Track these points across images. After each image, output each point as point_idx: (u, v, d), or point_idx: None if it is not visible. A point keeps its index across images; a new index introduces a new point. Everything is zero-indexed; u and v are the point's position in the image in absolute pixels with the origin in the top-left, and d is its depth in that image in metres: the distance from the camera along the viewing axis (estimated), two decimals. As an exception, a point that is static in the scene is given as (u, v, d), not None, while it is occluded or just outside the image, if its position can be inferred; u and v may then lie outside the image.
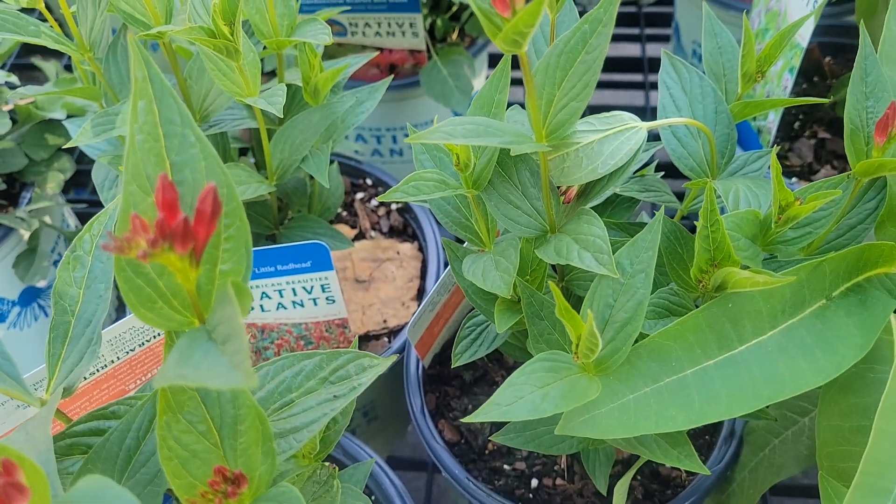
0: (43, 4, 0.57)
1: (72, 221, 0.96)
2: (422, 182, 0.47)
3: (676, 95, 0.54)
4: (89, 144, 0.65)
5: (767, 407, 0.61)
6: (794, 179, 0.84)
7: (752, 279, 0.41)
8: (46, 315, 0.92)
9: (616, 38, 1.37)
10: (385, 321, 0.78)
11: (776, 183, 0.43)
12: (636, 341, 0.44)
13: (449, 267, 0.56)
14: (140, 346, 0.52)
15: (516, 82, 0.53)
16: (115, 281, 0.34)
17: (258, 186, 0.59)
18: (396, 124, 1.02)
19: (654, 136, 0.57)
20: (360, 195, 0.88)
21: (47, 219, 0.87)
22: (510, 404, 0.41)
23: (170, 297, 0.31)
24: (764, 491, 0.63)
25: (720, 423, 0.66)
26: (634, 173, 0.60)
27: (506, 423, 0.58)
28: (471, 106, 0.48)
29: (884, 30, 0.53)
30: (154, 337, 0.53)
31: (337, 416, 0.46)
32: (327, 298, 0.67)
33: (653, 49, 1.31)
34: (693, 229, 0.47)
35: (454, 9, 1.00)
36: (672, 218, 0.54)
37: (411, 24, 0.91)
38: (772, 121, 0.81)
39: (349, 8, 0.89)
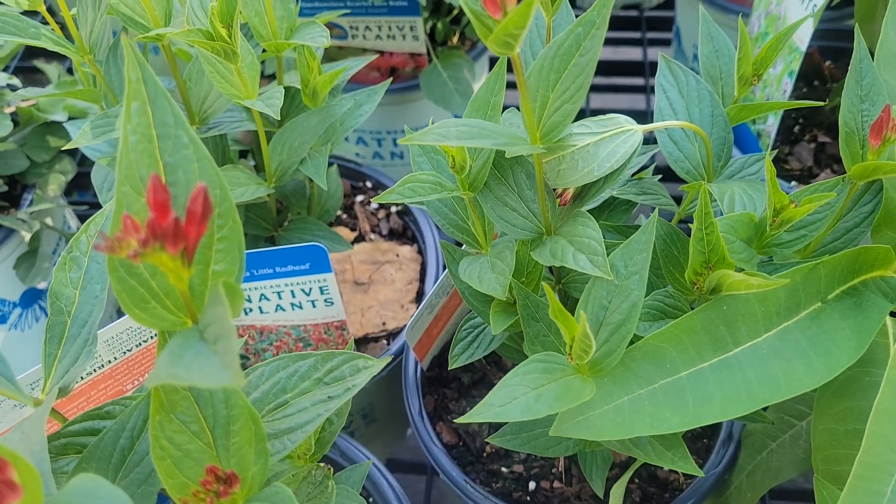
0: (44, 7, 0.57)
1: (73, 223, 0.97)
2: (418, 184, 0.47)
3: (673, 98, 0.54)
4: (89, 146, 0.66)
5: (765, 410, 0.61)
6: (793, 183, 0.84)
7: (746, 282, 0.41)
8: (47, 316, 0.92)
9: (618, 42, 1.37)
10: (384, 323, 0.79)
11: (771, 186, 0.43)
12: (631, 343, 0.44)
13: (447, 269, 0.56)
14: (137, 346, 0.52)
15: (514, 85, 0.53)
16: (111, 281, 0.34)
17: (256, 188, 0.60)
18: (397, 127, 1.02)
19: (653, 140, 0.57)
20: (359, 198, 0.88)
21: (49, 220, 0.87)
22: (504, 405, 0.41)
23: (163, 298, 0.31)
24: (761, 494, 0.63)
25: (718, 427, 0.66)
26: (632, 176, 0.60)
27: (504, 425, 0.58)
28: (467, 108, 0.48)
29: (881, 34, 0.53)
30: (151, 337, 0.53)
31: (332, 418, 0.46)
32: (326, 300, 0.67)
33: (654, 53, 1.31)
34: (690, 232, 0.47)
35: (455, 12, 1.00)
36: (670, 221, 0.54)
37: (412, 28, 0.91)
38: (771, 124, 0.81)
39: (349, 11, 0.90)
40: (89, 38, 0.56)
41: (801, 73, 0.94)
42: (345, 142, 1.07)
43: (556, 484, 0.65)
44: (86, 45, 0.56)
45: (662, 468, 0.65)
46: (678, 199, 0.62)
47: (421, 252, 0.84)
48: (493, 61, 1.11)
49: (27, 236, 0.85)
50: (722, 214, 0.48)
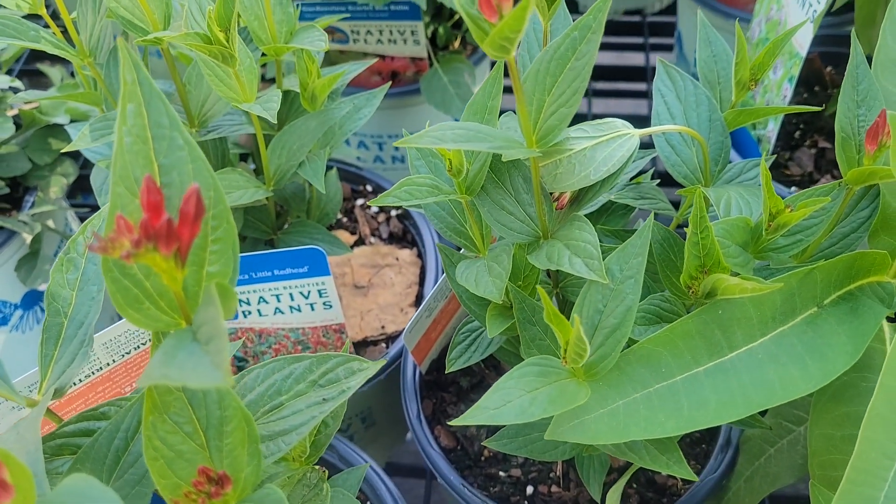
0: (45, 11, 0.57)
1: (75, 226, 0.97)
2: (414, 187, 0.47)
3: (671, 103, 0.54)
4: (90, 149, 0.66)
5: (763, 415, 0.61)
6: (793, 188, 0.84)
7: (740, 286, 0.41)
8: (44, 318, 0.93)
9: (620, 48, 1.37)
10: (383, 327, 0.79)
11: (766, 190, 0.43)
12: (627, 347, 0.44)
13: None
14: (136, 349, 0.52)
15: (512, 89, 0.53)
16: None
17: (255, 191, 0.60)
18: (398, 131, 1.03)
19: (652, 144, 0.57)
20: (360, 201, 0.88)
21: (50, 223, 0.87)
22: (498, 408, 0.41)
23: (157, 298, 0.32)
24: (760, 499, 0.62)
25: (717, 432, 0.66)
26: (630, 180, 0.60)
27: (501, 428, 0.58)
28: (464, 112, 0.48)
29: (878, 40, 0.53)
30: (149, 340, 0.53)
31: (327, 420, 0.46)
32: (324, 304, 0.67)
33: (657, 58, 1.32)
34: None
35: (456, 17, 1.01)
36: (668, 226, 0.54)
37: (412, 32, 0.91)
38: (771, 130, 0.81)
39: (349, 15, 0.90)
40: (89, 41, 0.56)
41: (802, 79, 0.94)
42: (346, 146, 1.07)
43: (554, 488, 0.65)
44: (86, 48, 0.57)
45: (660, 473, 0.65)
46: (677, 204, 0.62)
47: (421, 256, 0.84)
48: (493, 66, 1.11)
49: (28, 238, 0.85)
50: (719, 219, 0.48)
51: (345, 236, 0.85)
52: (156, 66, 0.97)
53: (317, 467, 0.46)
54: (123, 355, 0.52)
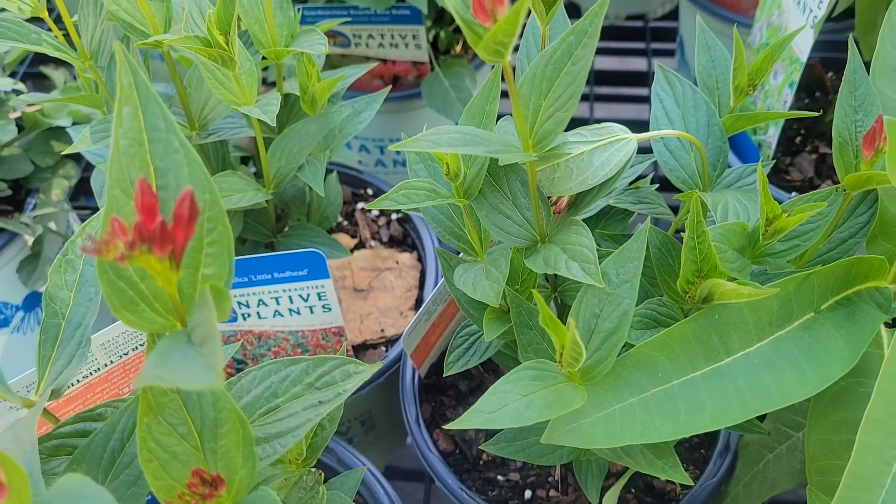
0: (47, 14, 0.58)
1: (77, 228, 0.97)
2: (412, 191, 0.47)
3: (669, 108, 0.54)
4: (92, 151, 0.66)
5: (762, 421, 0.61)
6: (794, 194, 0.84)
7: (737, 290, 0.41)
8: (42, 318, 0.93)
9: (623, 53, 1.38)
10: (383, 330, 0.79)
11: (763, 195, 0.43)
12: (623, 351, 0.44)
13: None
14: (133, 350, 0.53)
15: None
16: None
17: (255, 194, 0.60)
18: (399, 135, 1.03)
19: (651, 149, 0.57)
20: (360, 205, 0.89)
21: (52, 225, 0.88)
22: (494, 411, 0.41)
23: (152, 301, 0.32)
24: (757, 505, 0.62)
25: (715, 437, 0.66)
26: (629, 185, 0.60)
27: (499, 432, 0.58)
28: (462, 116, 0.48)
29: (877, 45, 0.53)
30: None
31: (324, 423, 0.46)
32: (324, 307, 0.67)
33: (658, 63, 1.32)
34: (684, 241, 0.47)
35: (458, 21, 1.01)
36: (667, 231, 0.54)
37: (414, 37, 0.92)
38: (772, 135, 0.81)
39: (350, 19, 0.90)
40: (90, 44, 0.56)
41: (803, 85, 0.94)
42: (347, 149, 1.07)
43: (552, 493, 0.65)
44: (87, 51, 0.57)
45: (659, 478, 0.65)
46: (677, 209, 0.62)
47: (421, 259, 0.84)
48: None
49: (30, 240, 0.86)
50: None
51: (345, 239, 0.85)
52: (158, 69, 0.98)
53: (313, 470, 0.46)
54: (121, 356, 0.52)
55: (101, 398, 0.53)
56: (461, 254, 0.54)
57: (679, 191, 0.55)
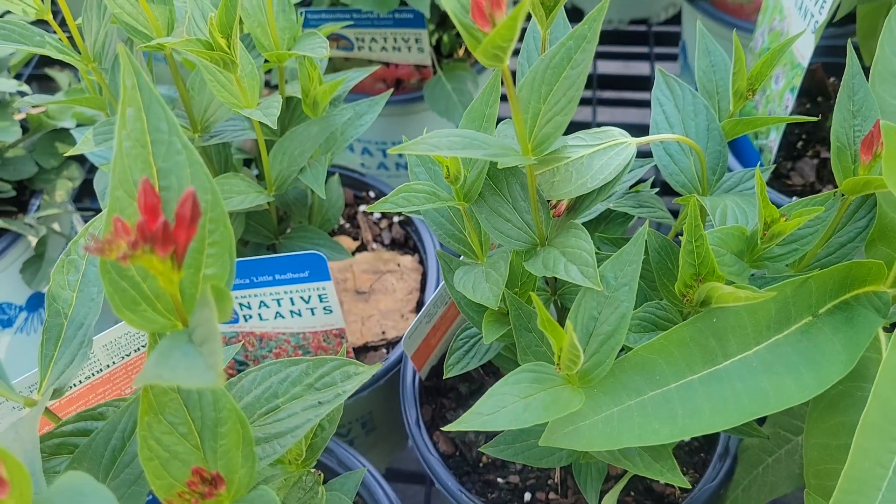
0: (51, 17, 0.58)
1: (80, 229, 0.98)
2: (412, 193, 0.47)
3: (669, 112, 0.54)
4: (95, 153, 0.67)
5: (761, 425, 0.61)
6: (795, 199, 0.84)
7: (734, 294, 0.41)
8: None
9: (626, 57, 1.38)
10: (384, 332, 0.79)
11: (760, 199, 0.43)
12: (621, 354, 0.44)
13: (446, 279, 0.56)
14: (135, 351, 0.53)
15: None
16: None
17: (256, 196, 0.60)
18: (402, 138, 1.03)
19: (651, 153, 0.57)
20: (362, 207, 0.89)
21: (56, 226, 0.88)
22: (492, 413, 0.41)
23: (154, 301, 0.32)
24: (756, 509, 0.62)
25: (715, 441, 0.66)
26: (630, 189, 0.61)
27: (499, 434, 0.59)
28: (462, 119, 0.48)
29: (877, 51, 0.53)
30: (150, 342, 0.54)
31: (324, 423, 0.47)
32: (325, 308, 0.67)
33: (662, 67, 1.32)
34: (683, 245, 0.47)
35: (461, 25, 1.01)
36: (667, 235, 0.54)
37: (417, 40, 0.92)
38: (773, 140, 0.81)
39: (352, 23, 0.91)
40: (94, 46, 0.57)
41: (805, 90, 0.94)
42: (350, 152, 1.08)
43: (552, 495, 0.65)
44: (90, 53, 0.57)
45: (658, 481, 0.65)
46: (677, 213, 0.62)
47: (422, 262, 0.84)
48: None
49: (34, 241, 0.86)
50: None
51: (347, 242, 0.86)
52: (161, 72, 0.98)
53: (313, 470, 0.46)
54: (123, 357, 0.52)
55: (104, 399, 0.53)
56: (462, 257, 0.55)
57: (679, 195, 0.56)
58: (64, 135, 0.88)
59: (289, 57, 0.59)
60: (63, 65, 1.16)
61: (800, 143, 0.91)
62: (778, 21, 0.82)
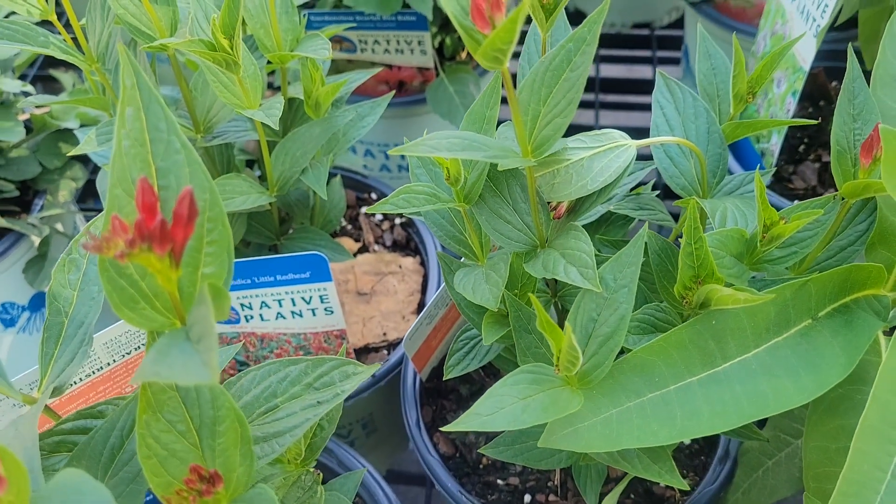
0: (55, 17, 0.58)
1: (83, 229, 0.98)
2: (413, 195, 0.48)
3: (670, 115, 0.55)
4: (98, 153, 0.67)
5: (761, 428, 0.61)
6: (796, 202, 0.84)
7: (733, 296, 0.41)
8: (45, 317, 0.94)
9: (629, 61, 1.38)
10: (385, 334, 0.79)
11: (760, 201, 0.43)
12: (620, 356, 0.44)
13: (447, 281, 0.56)
14: (136, 349, 0.53)
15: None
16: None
17: (258, 197, 0.61)
18: (404, 140, 1.04)
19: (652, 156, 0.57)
20: (365, 209, 0.89)
21: (59, 226, 0.89)
22: (491, 414, 0.41)
23: (152, 299, 0.32)
24: (756, 512, 0.62)
25: (715, 444, 0.66)
26: (630, 191, 0.61)
27: (499, 436, 0.59)
28: (463, 121, 0.48)
29: (878, 55, 0.54)
30: (150, 341, 0.54)
31: (323, 423, 0.47)
32: (326, 309, 0.67)
33: (665, 71, 1.32)
34: (682, 247, 0.47)
35: (464, 28, 1.01)
36: (668, 237, 0.54)
37: (419, 43, 0.92)
38: (775, 143, 0.81)
39: (355, 25, 0.91)
40: (97, 47, 0.57)
41: (807, 94, 0.94)
42: (352, 154, 1.08)
43: (552, 497, 0.65)
44: (94, 54, 0.58)
45: (659, 484, 0.65)
46: (678, 216, 0.62)
47: (423, 264, 0.84)
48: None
49: (37, 241, 0.86)
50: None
51: (349, 243, 0.86)
52: (165, 73, 0.99)
53: (312, 470, 0.47)
54: (124, 355, 0.53)
55: (104, 397, 0.53)
56: (462, 258, 0.55)
57: (680, 198, 0.56)
58: (68, 135, 0.89)
59: (291, 58, 0.59)
60: (67, 66, 1.17)
61: (802, 147, 0.91)
62: (780, 25, 0.82)
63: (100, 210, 1.08)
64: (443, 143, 0.39)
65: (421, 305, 0.81)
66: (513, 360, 0.61)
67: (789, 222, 0.44)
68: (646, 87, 1.30)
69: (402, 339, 0.78)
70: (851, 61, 0.49)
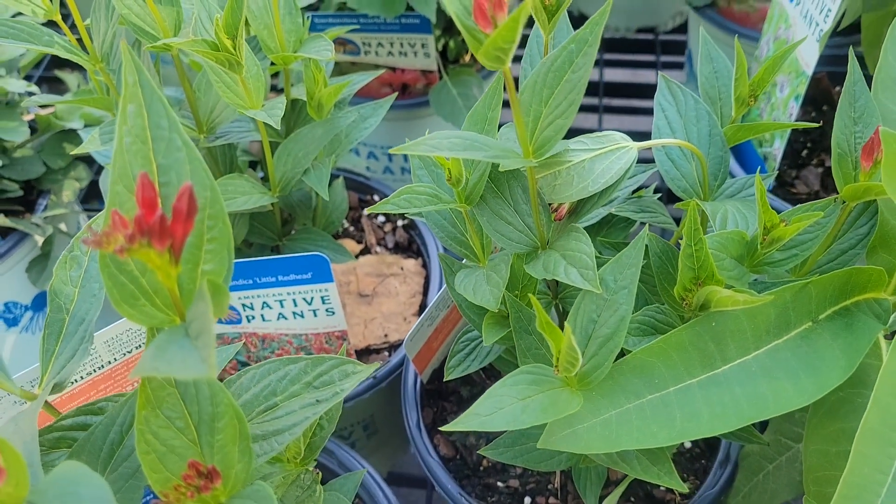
0: (60, 17, 0.59)
1: (87, 229, 0.98)
2: (414, 195, 0.48)
3: (671, 118, 0.55)
4: (102, 153, 0.67)
5: (762, 432, 0.61)
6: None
7: (732, 298, 0.41)
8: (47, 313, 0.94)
9: (633, 65, 1.38)
10: (386, 335, 0.79)
11: (760, 204, 0.43)
12: (620, 357, 0.44)
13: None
14: (136, 348, 0.53)
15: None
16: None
17: (260, 197, 0.61)
18: (406, 142, 1.04)
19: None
20: (366, 210, 0.89)
21: (62, 226, 0.89)
22: (490, 414, 0.41)
23: (152, 295, 0.32)
24: (756, 516, 0.62)
25: (716, 448, 0.66)
26: (632, 194, 0.61)
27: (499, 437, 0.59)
28: (465, 122, 0.49)
29: (880, 58, 0.54)
30: (152, 340, 0.54)
31: (323, 423, 0.47)
32: (327, 310, 0.68)
33: (668, 76, 1.32)
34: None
35: (467, 31, 1.02)
36: (670, 240, 0.54)
37: (423, 45, 0.92)
38: (777, 148, 0.81)
39: (358, 27, 0.91)
40: (101, 47, 0.57)
41: (811, 98, 0.94)
42: (356, 156, 1.08)
43: (552, 500, 0.65)
44: (98, 54, 0.58)
45: (659, 487, 0.65)
46: (680, 219, 0.62)
47: (425, 266, 0.85)
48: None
49: (40, 241, 0.87)
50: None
51: (351, 245, 0.86)
52: (170, 75, 0.99)
53: (311, 469, 0.47)
54: (125, 354, 0.53)
55: (104, 395, 0.54)
56: (464, 260, 0.55)
57: (681, 201, 0.56)
58: (72, 136, 0.89)
59: (294, 59, 0.59)
60: (73, 67, 1.17)
61: (805, 152, 0.91)
62: (783, 30, 0.83)
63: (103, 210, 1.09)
64: (444, 142, 0.40)
65: (422, 307, 0.81)
66: (514, 361, 0.61)
67: (790, 225, 0.44)
68: (650, 91, 1.30)
69: (403, 341, 0.78)
70: (852, 64, 0.49)
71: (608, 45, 1.37)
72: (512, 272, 0.50)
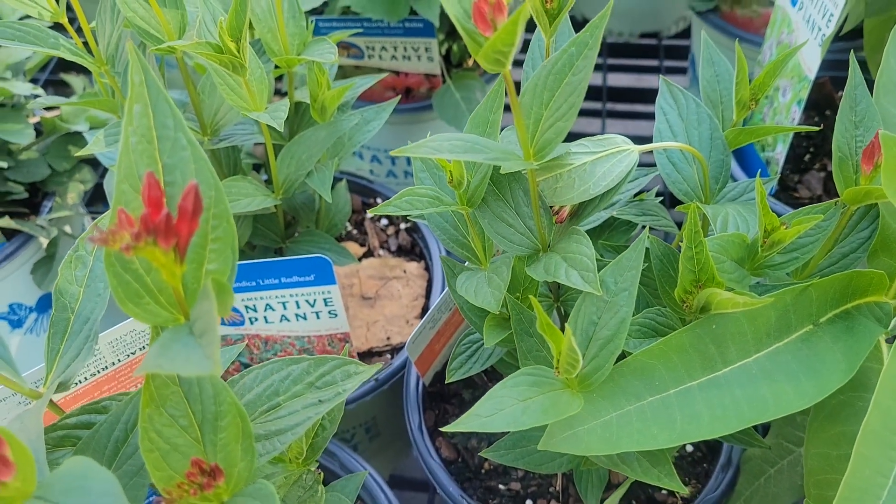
0: (66, 20, 0.59)
1: (91, 232, 0.99)
2: (416, 198, 0.48)
3: (673, 121, 0.55)
4: (107, 155, 0.68)
5: (764, 436, 0.61)
6: (801, 211, 0.84)
7: (733, 300, 0.42)
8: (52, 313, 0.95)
9: (636, 70, 1.38)
10: (389, 338, 0.80)
11: (761, 207, 0.44)
12: (621, 359, 0.45)
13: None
14: (140, 349, 0.53)
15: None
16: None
17: (263, 199, 0.61)
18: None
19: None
20: (369, 212, 0.90)
21: (67, 228, 0.89)
22: (490, 416, 0.41)
23: (157, 294, 0.33)
24: (758, 520, 0.62)
25: (718, 452, 0.66)
26: (634, 197, 0.61)
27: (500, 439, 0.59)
28: (467, 125, 0.49)
29: (881, 62, 0.54)
30: (155, 341, 0.54)
31: (325, 423, 0.47)
32: (330, 312, 0.68)
33: (672, 80, 1.33)
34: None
35: (471, 36, 1.02)
36: (671, 243, 0.54)
37: (426, 49, 0.93)
38: (780, 152, 0.81)
39: (362, 31, 0.92)
40: (107, 49, 0.58)
41: (813, 103, 0.94)
42: (359, 159, 1.08)
43: (553, 503, 0.65)
44: (103, 56, 0.59)
45: (660, 490, 0.65)
46: (682, 224, 0.62)
47: (428, 269, 0.85)
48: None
49: (45, 242, 0.87)
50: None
51: (354, 248, 0.86)
52: (174, 78, 1.00)
53: (313, 469, 0.47)
54: (129, 355, 0.53)
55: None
56: (466, 262, 0.55)
57: (683, 204, 0.56)
58: (77, 138, 0.90)
59: (298, 62, 0.60)
60: (78, 70, 1.18)
61: (807, 156, 0.91)
62: (786, 34, 0.83)
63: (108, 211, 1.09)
64: (445, 144, 0.40)
65: (425, 310, 0.82)
66: (515, 364, 0.61)
67: (790, 228, 0.44)
68: (653, 96, 1.30)
69: (405, 344, 0.79)
70: (853, 68, 0.49)
71: (612, 49, 1.38)
72: (513, 274, 0.50)
